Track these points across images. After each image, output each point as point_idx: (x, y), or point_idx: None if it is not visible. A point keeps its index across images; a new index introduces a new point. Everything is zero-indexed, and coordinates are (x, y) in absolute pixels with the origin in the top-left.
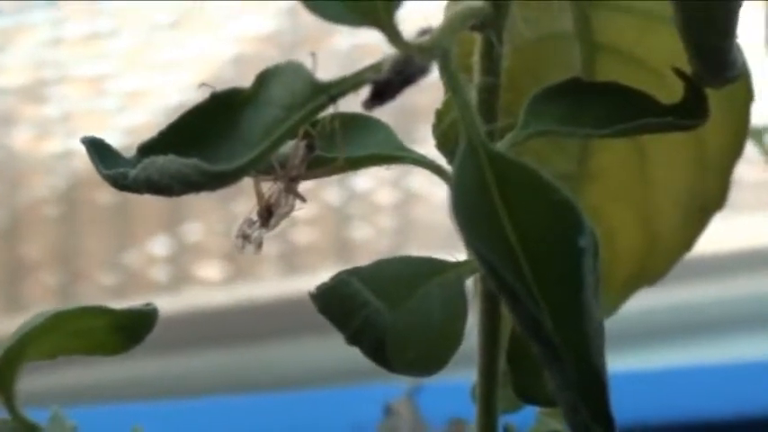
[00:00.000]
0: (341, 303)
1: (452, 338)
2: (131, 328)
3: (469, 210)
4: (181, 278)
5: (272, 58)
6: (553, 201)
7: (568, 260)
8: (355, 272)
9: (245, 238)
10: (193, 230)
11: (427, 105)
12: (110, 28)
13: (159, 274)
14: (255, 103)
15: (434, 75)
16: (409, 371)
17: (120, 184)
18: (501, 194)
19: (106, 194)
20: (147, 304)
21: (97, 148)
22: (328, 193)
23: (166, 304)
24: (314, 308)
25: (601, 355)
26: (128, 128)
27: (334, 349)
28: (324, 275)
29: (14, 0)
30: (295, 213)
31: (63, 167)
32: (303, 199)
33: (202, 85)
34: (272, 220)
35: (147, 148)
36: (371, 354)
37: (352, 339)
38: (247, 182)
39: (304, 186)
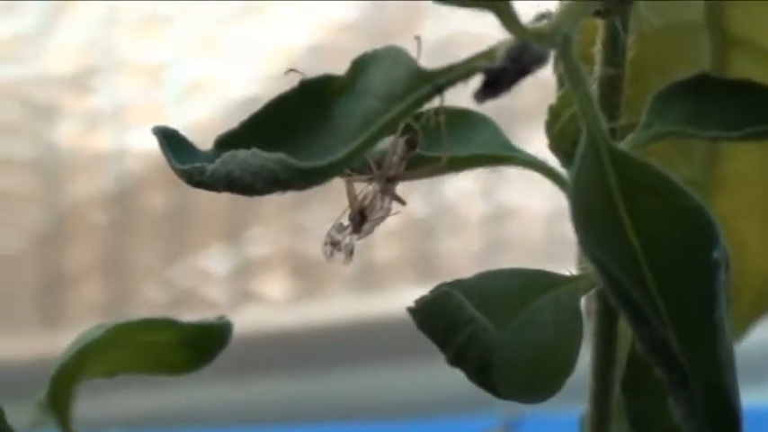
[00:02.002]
0: (443, 319)
1: (566, 361)
2: (202, 345)
3: (589, 214)
4: (241, 295)
5: (353, 49)
6: (684, 207)
7: (700, 274)
8: (458, 284)
9: (335, 245)
10: (256, 242)
11: (527, 106)
12: (171, 10)
13: (217, 290)
14: (351, 92)
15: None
16: (516, 396)
17: (196, 180)
18: (625, 198)
19: (160, 199)
20: (221, 317)
21: (170, 140)
22: (410, 203)
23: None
24: (391, 331)
25: (734, 381)
26: (187, 123)
27: (415, 377)
28: (403, 295)
29: None
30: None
31: (113, 167)
32: (402, 201)
33: (290, 71)
34: (366, 225)
35: (226, 142)
36: (476, 376)
37: (455, 359)
38: (320, 187)
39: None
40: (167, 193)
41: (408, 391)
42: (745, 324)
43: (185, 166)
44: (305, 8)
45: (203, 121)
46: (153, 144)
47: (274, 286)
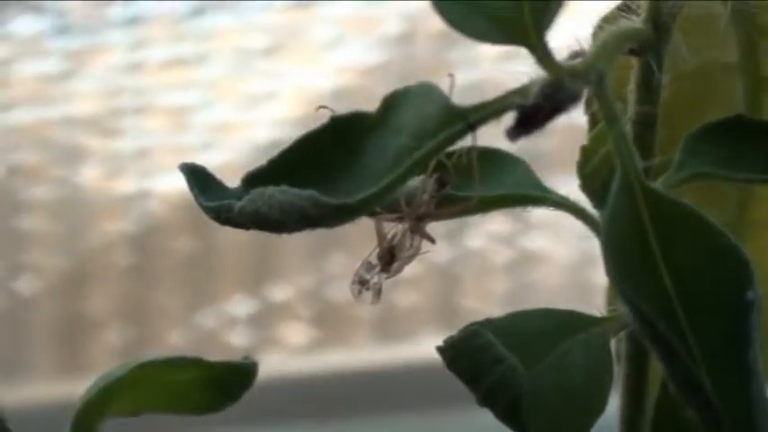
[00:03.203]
0: (472, 358)
1: (596, 402)
2: (227, 384)
3: (622, 252)
4: (263, 342)
5: (380, 92)
6: (718, 247)
7: (734, 314)
8: (488, 324)
9: (363, 284)
10: (279, 289)
11: (552, 151)
12: (196, 53)
13: (239, 337)
14: (382, 129)
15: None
16: None
17: (224, 217)
18: (658, 237)
19: (183, 243)
20: (246, 357)
21: (197, 177)
22: (434, 250)
23: None
24: (413, 379)
25: (766, 424)
26: (212, 166)
27: (437, 426)
28: (426, 343)
29: (89, 19)
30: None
31: (136, 210)
32: (432, 240)
33: (321, 107)
34: (395, 265)
35: (255, 178)
36: (505, 416)
37: (484, 399)
38: (342, 234)
39: None
40: (190, 239)
41: None
42: None
43: (213, 204)
44: (331, 49)
45: (227, 164)
46: (177, 186)
47: (296, 333)
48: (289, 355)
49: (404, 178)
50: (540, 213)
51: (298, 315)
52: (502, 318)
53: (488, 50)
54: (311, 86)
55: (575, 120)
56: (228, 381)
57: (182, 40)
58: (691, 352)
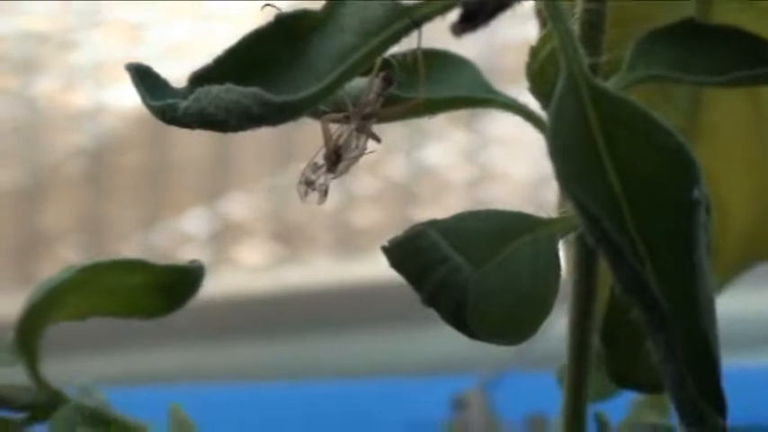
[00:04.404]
0: (417, 258)
1: (543, 303)
2: (174, 288)
3: (569, 152)
4: (220, 260)
5: None
6: (664, 145)
7: (680, 213)
8: (434, 224)
9: (309, 184)
10: (236, 205)
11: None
12: None
13: (195, 254)
14: (326, 27)
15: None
16: (491, 338)
17: (170, 117)
18: (605, 136)
19: (138, 157)
20: (193, 261)
21: (144, 77)
22: (391, 168)
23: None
24: (370, 296)
25: (712, 324)
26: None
27: (395, 341)
28: (383, 260)
29: None
30: (353, 190)
31: (91, 124)
32: (377, 139)
33: (266, 5)
34: (341, 165)
35: (201, 78)
36: (450, 316)
37: (429, 299)
38: (302, 144)
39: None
40: (145, 152)
41: (388, 354)
42: (728, 275)
43: (158, 103)
44: None
45: (183, 80)
46: (133, 100)
47: (254, 252)
48: (247, 272)
49: (348, 76)
50: (498, 129)
51: (255, 232)
52: (448, 219)
53: None
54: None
55: None
56: (175, 285)
57: None
58: (636, 250)
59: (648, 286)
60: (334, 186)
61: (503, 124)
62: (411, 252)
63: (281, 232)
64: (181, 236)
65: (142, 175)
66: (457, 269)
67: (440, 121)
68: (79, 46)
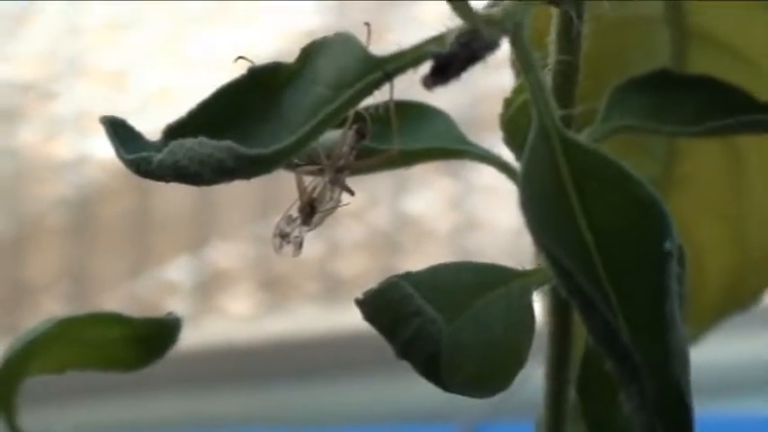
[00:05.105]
0: (390, 310)
1: (517, 355)
2: (151, 340)
3: (540, 203)
4: (205, 309)
5: None
6: (636, 197)
7: (651, 265)
8: (408, 276)
9: (284, 237)
10: (222, 253)
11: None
12: (133, 16)
13: (180, 302)
14: (299, 80)
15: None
16: (464, 390)
17: (144, 169)
18: (577, 187)
19: (121, 207)
20: (169, 313)
21: (118, 129)
22: (376, 216)
23: (188, 338)
24: (355, 344)
25: (685, 374)
26: (150, 131)
27: (379, 390)
28: None
29: None
30: (339, 239)
31: (74, 174)
32: (351, 191)
33: (239, 58)
34: (315, 217)
35: (175, 131)
36: (423, 369)
37: (403, 352)
38: (287, 193)
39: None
40: (130, 202)
41: (372, 403)
42: (706, 324)
43: (132, 156)
44: (267, 13)
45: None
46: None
47: (240, 300)
48: (231, 321)
49: (321, 129)
50: (482, 178)
51: (242, 281)
52: (422, 271)
53: (429, 13)
54: (249, 50)
55: None
56: (152, 337)
57: (118, 3)
58: (609, 302)
59: (620, 337)
60: (320, 235)
61: (487, 173)
62: (384, 304)
63: (267, 281)
64: (166, 285)
65: (126, 225)
66: (430, 321)
67: (425, 169)
68: (61, 95)
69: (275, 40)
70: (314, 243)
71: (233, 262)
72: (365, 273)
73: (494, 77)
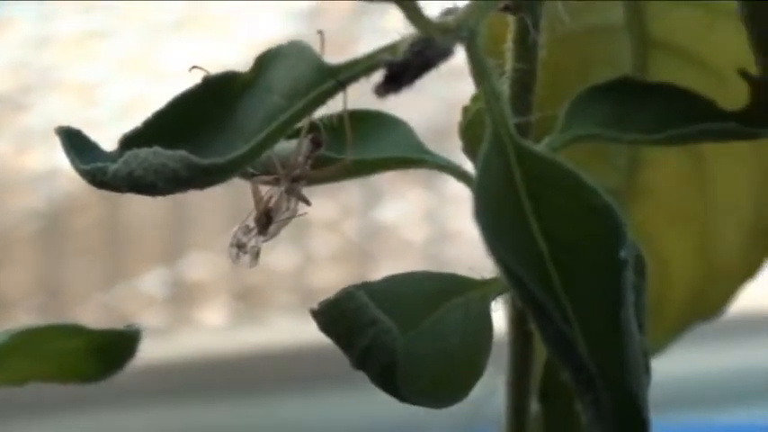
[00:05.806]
0: (346, 320)
1: (474, 365)
2: (110, 352)
3: (493, 212)
4: (180, 321)
5: None
6: (591, 205)
7: (607, 273)
8: (364, 286)
9: (240, 247)
10: (196, 264)
11: None
12: (104, 27)
13: (155, 314)
14: (254, 89)
15: None
16: (421, 401)
17: (99, 180)
18: (531, 196)
19: (94, 219)
20: (129, 325)
21: (73, 140)
22: (350, 228)
23: (162, 349)
24: (330, 357)
25: (642, 385)
26: None
27: (353, 402)
28: None
29: None
30: (313, 251)
31: (47, 187)
32: (307, 202)
33: (193, 68)
34: (272, 227)
35: (131, 141)
36: (379, 379)
37: (359, 362)
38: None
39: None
40: (101, 214)
41: (346, 415)
42: (669, 335)
43: (88, 167)
44: (239, 23)
45: None
46: None
47: (214, 312)
48: (205, 333)
49: (275, 137)
50: (456, 188)
51: (214, 292)
52: (379, 281)
53: (400, 23)
54: (220, 60)
55: None
56: (111, 349)
57: (90, 14)
58: (564, 313)
59: (576, 347)
60: (294, 247)
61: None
62: (339, 314)
63: (241, 292)
64: (140, 297)
65: (99, 236)
66: (385, 331)
67: (398, 180)
68: (33, 107)
69: (248, 50)
70: (288, 254)
71: (207, 273)
72: (340, 284)
73: (470, 84)
